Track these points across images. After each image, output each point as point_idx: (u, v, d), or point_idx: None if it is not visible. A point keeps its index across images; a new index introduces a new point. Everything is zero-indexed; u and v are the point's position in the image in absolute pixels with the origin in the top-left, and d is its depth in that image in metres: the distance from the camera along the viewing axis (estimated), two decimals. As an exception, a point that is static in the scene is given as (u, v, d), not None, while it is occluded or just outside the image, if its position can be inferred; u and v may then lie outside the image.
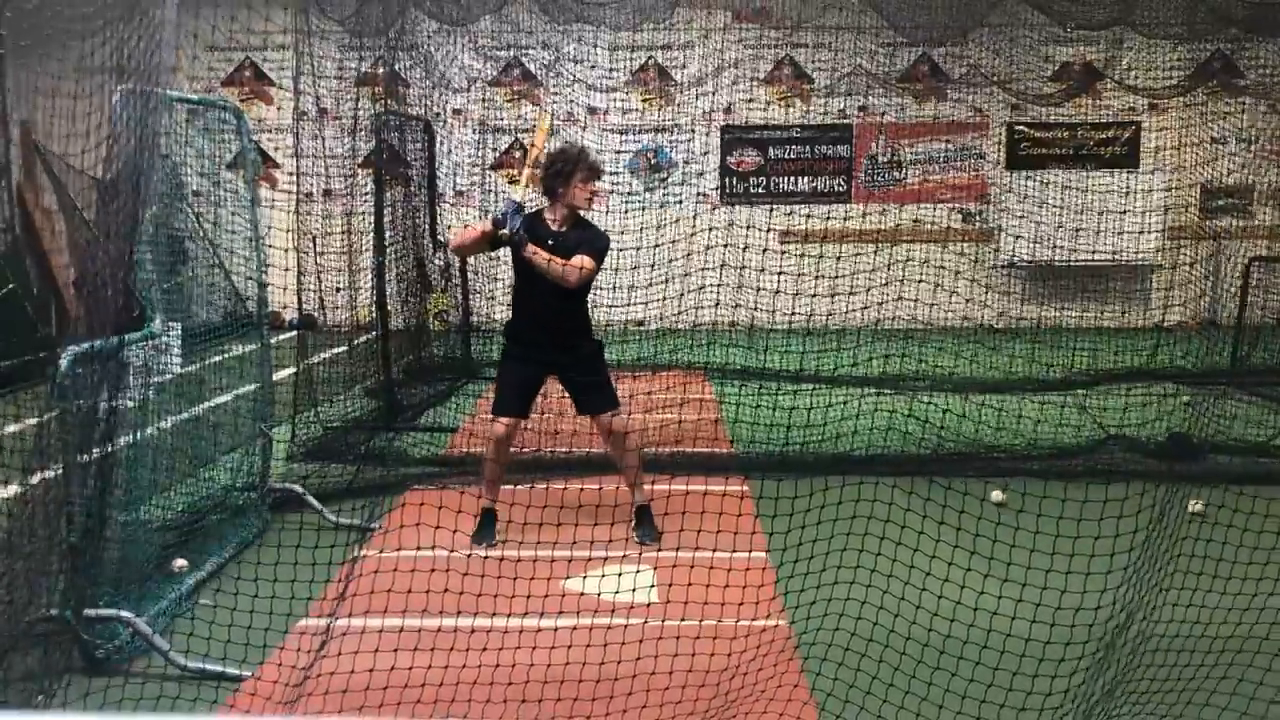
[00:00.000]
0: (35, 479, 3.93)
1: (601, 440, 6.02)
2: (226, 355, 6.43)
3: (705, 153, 14.95)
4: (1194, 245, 12.89)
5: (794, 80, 14.97)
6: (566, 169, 5.63)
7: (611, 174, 14.55)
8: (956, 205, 14.83)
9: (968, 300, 7.93)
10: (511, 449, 5.93)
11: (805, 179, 15.16)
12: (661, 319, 7.08)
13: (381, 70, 10.14)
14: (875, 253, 7.44)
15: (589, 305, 5.93)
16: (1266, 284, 10.52)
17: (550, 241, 5.60)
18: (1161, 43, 12.79)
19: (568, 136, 11.97)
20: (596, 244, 5.68)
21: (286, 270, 7.15)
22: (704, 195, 14.96)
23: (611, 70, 12.96)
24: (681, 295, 7.28)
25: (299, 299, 7.63)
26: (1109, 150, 14.90)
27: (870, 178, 15.13)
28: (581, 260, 5.54)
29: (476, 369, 10.58)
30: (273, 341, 6.47)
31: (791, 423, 7.16)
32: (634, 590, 5.10)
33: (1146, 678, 3.75)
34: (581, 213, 5.79)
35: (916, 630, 4.37)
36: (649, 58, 14.73)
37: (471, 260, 9.75)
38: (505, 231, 5.44)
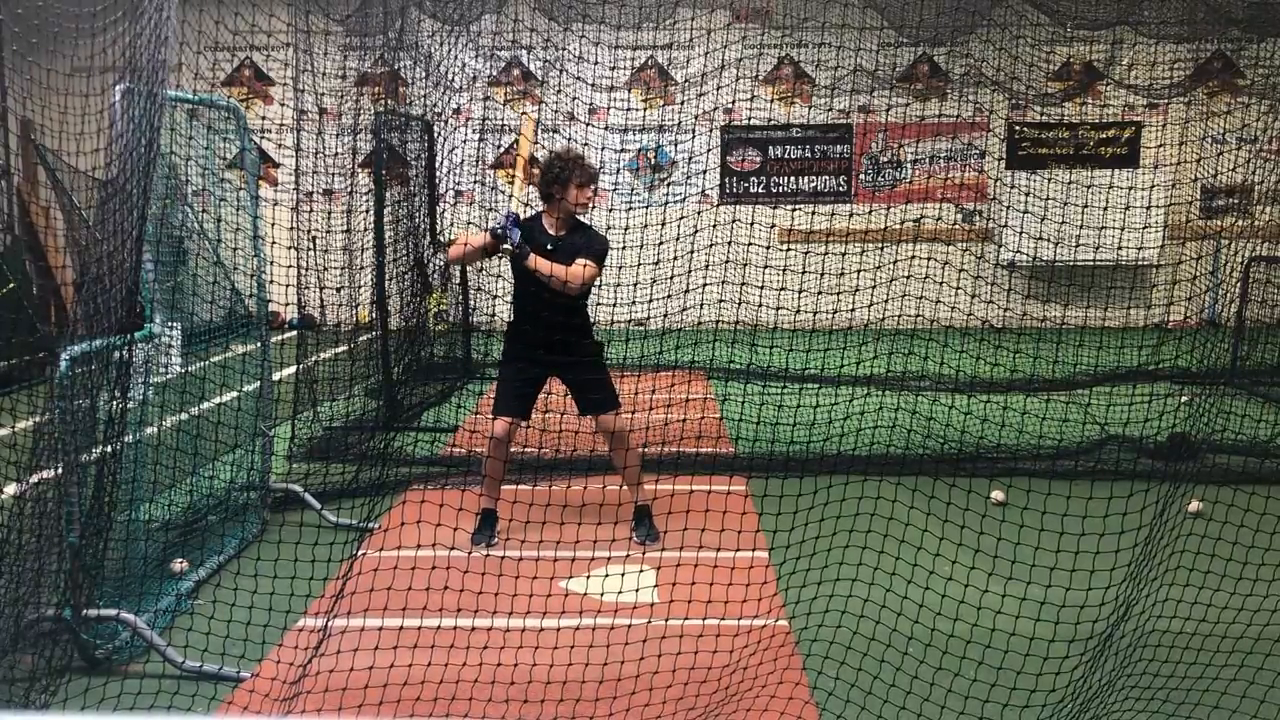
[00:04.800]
0: (35, 479, 3.92)
1: (602, 440, 6.02)
2: (226, 355, 6.43)
3: (706, 152, 14.95)
4: (1194, 245, 12.88)
5: (794, 80, 14.96)
6: (564, 175, 5.64)
7: (611, 174, 14.57)
8: (957, 205, 14.83)
9: (968, 299, 7.91)
10: (512, 449, 5.93)
11: (805, 179, 15.16)
12: (663, 319, 7.08)
13: (381, 70, 10.14)
14: (876, 252, 7.42)
15: (590, 306, 5.93)
16: (1266, 283, 10.51)
17: (550, 246, 5.61)
18: (1161, 43, 12.78)
19: (568, 137, 11.95)
20: (596, 247, 5.69)
21: (287, 269, 7.15)
22: (704, 195, 14.96)
23: (612, 70, 12.95)
24: (683, 294, 7.28)
25: (299, 299, 7.62)
26: (1109, 150, 14.90)
27: (870, 177, 15.13)
28: (583, 266, 5.55)
29: (476, 369, 10.57)
30: (273, 341, 6.47)
31: (792, 422, 7.16)
32: (634, 590, 5.10)
33: (1149, 673, 3.75)
34: (579, 215, 5.80)
35: (917, 629, 4.37)
36: (649, 58, 14.73)
37: (472, 260, 9.74)
38: (507, 246, 5.45)
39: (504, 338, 6.03)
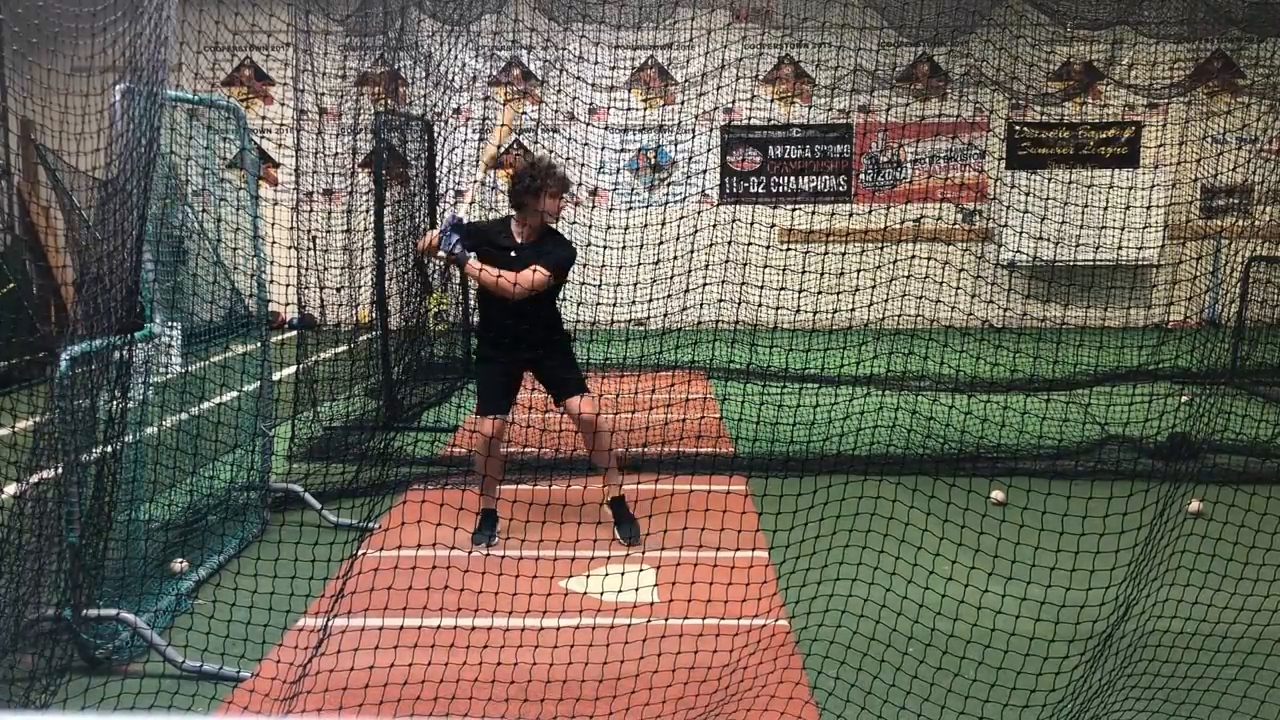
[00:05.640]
0: (35, 479, 3.93)
1: (574, 427, 5.95)
2: (226, 355, 6.43)
3: (706, 152, 14.95)
4: (1194, 245, 12.89)
5: (794, 80, 14.96)
6: (535, 184, 5.60)
7: (611, 174, 14.56)
8: (957, 205, 14.83)
9: (969, 299, 7.92)
10: (510, 449, 5.92)
11: (805, 179, 15.16)
12: (663, 319, 7.08)
13: (381, 70, 10.15)
14: (876, 252, 7.43)
15: (557, 302, 5.89)
16: (1266, 283, 10.50)
17: (513, 253, 5.60)
18: (1161, 43, 12.79)
19: (568, 136, 11.95)
20: (557, 255, 5.63)
21: (287, 269, 7.15)
22: (704, 195, 14.96)
23: (612, 70, 12.95)
24: (683, 294, 7.29)
25: (299, 299, 7.62)
26: (1109, 150, 14.90)
27: (870, 177, 15.13)
28: (533, 271, 5.51)
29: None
30: (273, 341, 6.47)
31: (792, 422, 7.17)
32: (634, 590, 5.10)
33: (1149, 673, 3.75)
34: (552, 224, 5.78)
35: (917, 629, 4.37)
36: (649, 58, 14.72)
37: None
38: (442, 253, 5.44)
39: (475, 338, 6.02)
